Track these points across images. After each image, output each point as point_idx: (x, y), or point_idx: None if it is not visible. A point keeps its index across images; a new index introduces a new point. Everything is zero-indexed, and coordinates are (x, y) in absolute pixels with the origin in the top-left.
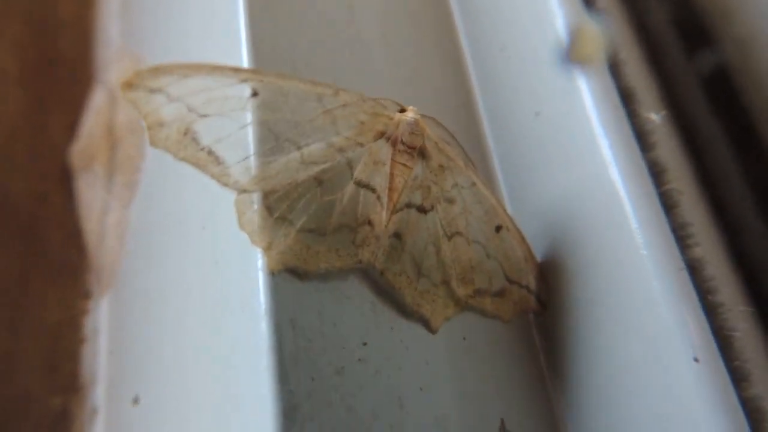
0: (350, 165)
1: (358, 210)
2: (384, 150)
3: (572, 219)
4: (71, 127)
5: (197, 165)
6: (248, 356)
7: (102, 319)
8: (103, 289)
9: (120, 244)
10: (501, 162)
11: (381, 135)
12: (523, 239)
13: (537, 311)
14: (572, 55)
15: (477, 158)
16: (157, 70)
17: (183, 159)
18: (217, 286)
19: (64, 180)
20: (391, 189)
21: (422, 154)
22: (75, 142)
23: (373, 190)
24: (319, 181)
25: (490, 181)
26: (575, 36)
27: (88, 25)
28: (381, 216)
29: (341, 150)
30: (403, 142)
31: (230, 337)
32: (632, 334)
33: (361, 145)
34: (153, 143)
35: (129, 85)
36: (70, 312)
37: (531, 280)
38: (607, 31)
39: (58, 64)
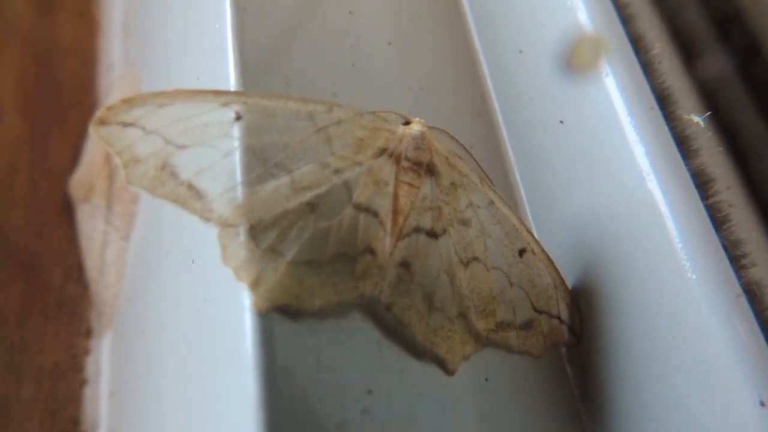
0: (348, 187)
1: (357, 237)
2: (386, 168)
3: (606, 238)
4: (72, 156)
5: (177, 202)
6: (236, 411)
7: (104, 358)
8: (105, 326)
9: (119, 278)
10: (522, 177)
11: (382, 152)
12: (551, 263)
13: (570, 344)
14: (571, 61)
15: (496, 173)
16: (131, 102)
17: (161, 196)
18: (205, 327)
19: (64, 212)
20: (395, 212)
21: (430, 171)
22: (75, 172)
23: (375, 214)
24: (312, 206)
25: (511, 198)
26: (574, 43)
27: (90, 51)
28: (384, 243)
29: (337, 171)
30: (407, 159)
31: (218, 388)
32: (682, 371)
33: (360, 164)
34: (129, 181)
35: (101, 122)
36: (71, 352)
37: (562, 309)
38: (607, 37)
39: (59, 90)
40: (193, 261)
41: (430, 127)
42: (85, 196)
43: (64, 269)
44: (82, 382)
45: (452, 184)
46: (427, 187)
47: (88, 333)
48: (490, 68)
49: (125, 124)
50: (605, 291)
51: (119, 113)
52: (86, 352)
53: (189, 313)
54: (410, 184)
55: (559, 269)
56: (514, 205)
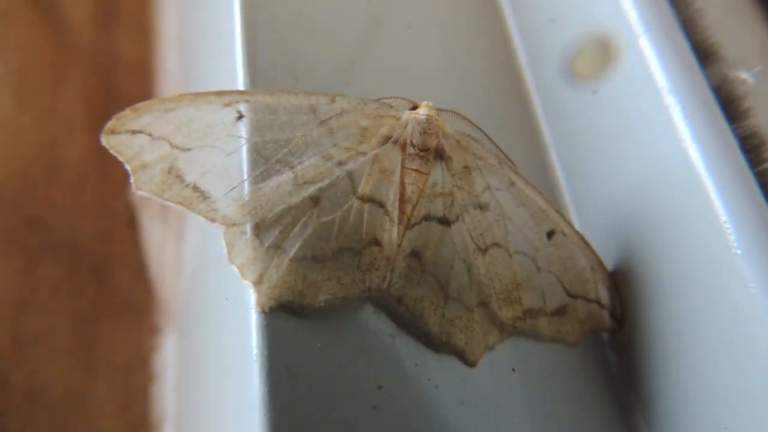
0: (351, 179)
1: (362, 229)
2: (392, 156)
3: (647, 215)
4: None
5: (183, 204)
6: (242, 410)
7: (169, 354)
8: (169, 323)
9: (178, 277)
10: (560, 156)
11: (387, 139)
12: (586, 244)
13: (611, 329)
14: (576, 68)
15: (531, 154)
16: (139, 110)
17: (168, 200)
18: (225, 325)
19: (128, 218)
20: (402, 201)
21: (440, 155)
22: None
23: (381, 205)
24: (315, 200)
25: (547, 179)
26: (579, 49)
27: (148, 63)
28: (391, 233)
29: (340, 163)
30: (413, 145)
31: (229, 387)
32: (728, 353)
33: (364, 153)
34: (138, 187)
35: (111, 131)
36: (140, 349)
37: (601, 292)
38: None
39: (121, 103)
40: (217, 261)
41: (439, 110)
42: (145, 201)
43: (131, 271)
44: (151, 378)
45: (465, 167)
46: (437, 172)
47: (155, 331)
48: (522, 38)
49: (133, 132)
50: (648, 271)
51: (128, 122)
52: (154, 348)
53: (217, 311)
54: (418, 171)
55: (596, 251)
56: (551, 186)
